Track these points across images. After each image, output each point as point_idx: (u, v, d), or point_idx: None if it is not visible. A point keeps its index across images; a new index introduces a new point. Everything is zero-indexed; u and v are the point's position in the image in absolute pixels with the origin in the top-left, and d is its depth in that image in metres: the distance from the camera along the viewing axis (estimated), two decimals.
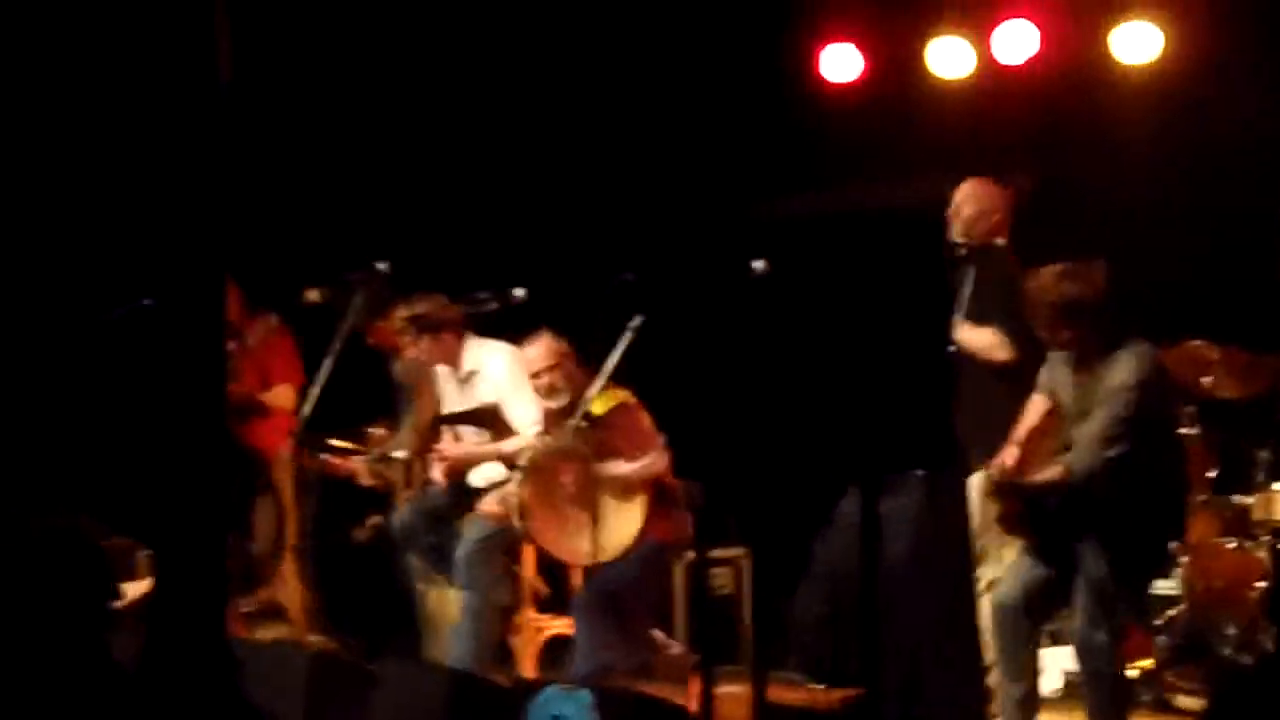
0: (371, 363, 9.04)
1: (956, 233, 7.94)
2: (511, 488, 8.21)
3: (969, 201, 8.05)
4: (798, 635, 7.90)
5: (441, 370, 8.89)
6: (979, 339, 7.78)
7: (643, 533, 8.15)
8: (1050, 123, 9.65)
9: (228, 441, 5.97)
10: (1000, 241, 8.00)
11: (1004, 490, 7.10)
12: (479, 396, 8.75)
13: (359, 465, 9.14)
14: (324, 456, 9.26)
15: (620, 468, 8.10)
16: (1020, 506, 7.11)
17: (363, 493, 9.68)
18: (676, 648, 8.46)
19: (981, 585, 7.72)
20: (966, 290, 7.86)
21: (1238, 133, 9.27)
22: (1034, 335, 7.34)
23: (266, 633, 9.34)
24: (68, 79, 9.02)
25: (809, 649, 7.88)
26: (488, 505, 8.45)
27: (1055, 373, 7.23)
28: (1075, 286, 6.98)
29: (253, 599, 9.80)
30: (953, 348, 7.38)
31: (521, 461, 8.21)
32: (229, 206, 5.05)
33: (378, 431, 9.08)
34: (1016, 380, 7.50)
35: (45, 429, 8.79)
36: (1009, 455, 7.14)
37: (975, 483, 7.55)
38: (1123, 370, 6.93)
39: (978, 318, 7.81)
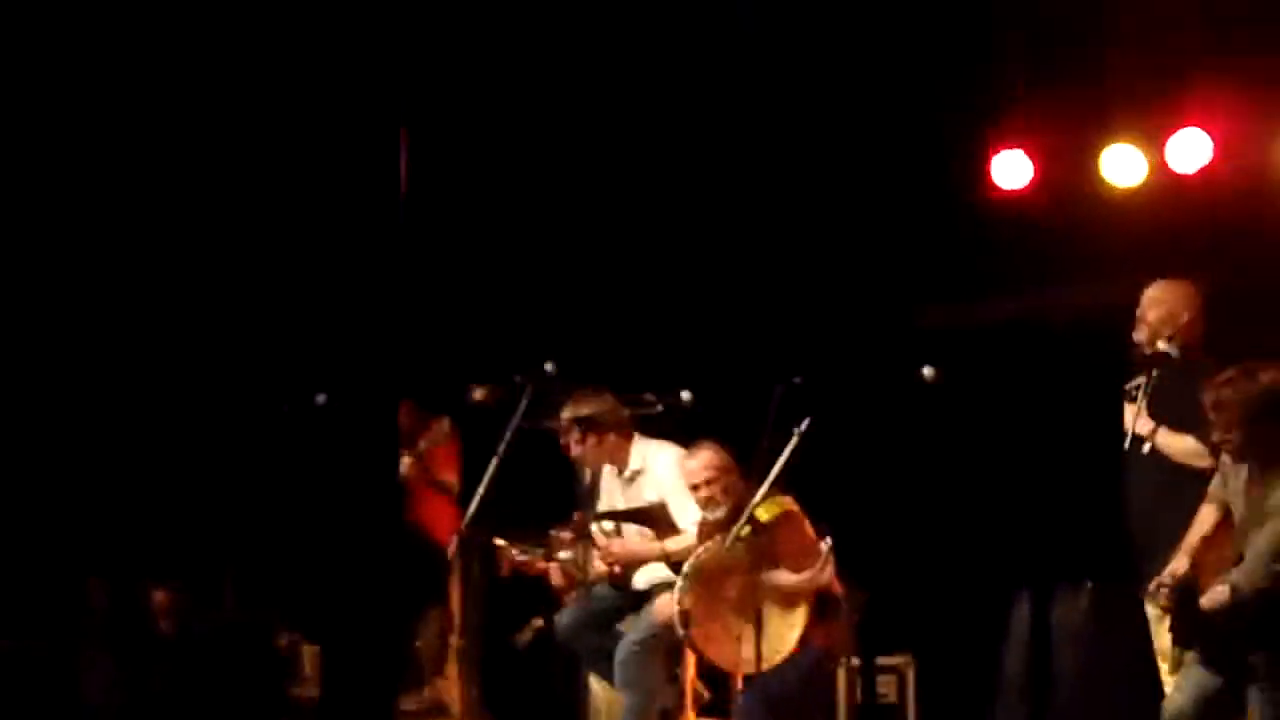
0: (558, 464, 9.05)
1: (1143, 335, 7.83)
2: (675, 594, 8.20)
3: (1155, 304, 7.94)
4: None
5: (607, 469, 8.92)
6: (1181, 445, 7.64)
7: (804, 641, 8.10)
8: (1222, 230, 9.56)
9: (402, 539, 6.04)
10: (1195, 344, 7.84)
11: (1176, 600, 6.99)
12: (643, 496, 8.76)
13: (550, 565, 9.14)
14: (516, 554, 9.29)
15: (784, 578, 8.07)
16: (1192, 616, 7.00)
17: (527, 595, 9.70)
18: None
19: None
20: (1149, 393, 7.73)
21: None
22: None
23: None
24: (261, 185, 9.20)
25: None
26: (660, 608, 8.45)
27: (1228, 482, 7.13)
28: (1242, 393, 6.88)
29: (416, 697, 9.85)
30: (1143, 448, 7.30)
31: (685, 569, 8.20)
32: (405, 308, 5.14)
33: (561, 535, 9.07)
34: (1203, 488, 7.40)
35: (224, 522, 8.91)
36: (1180, 564, 7.04)
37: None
38: None
39: (1173, 423, 7.67)
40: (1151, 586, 7.04)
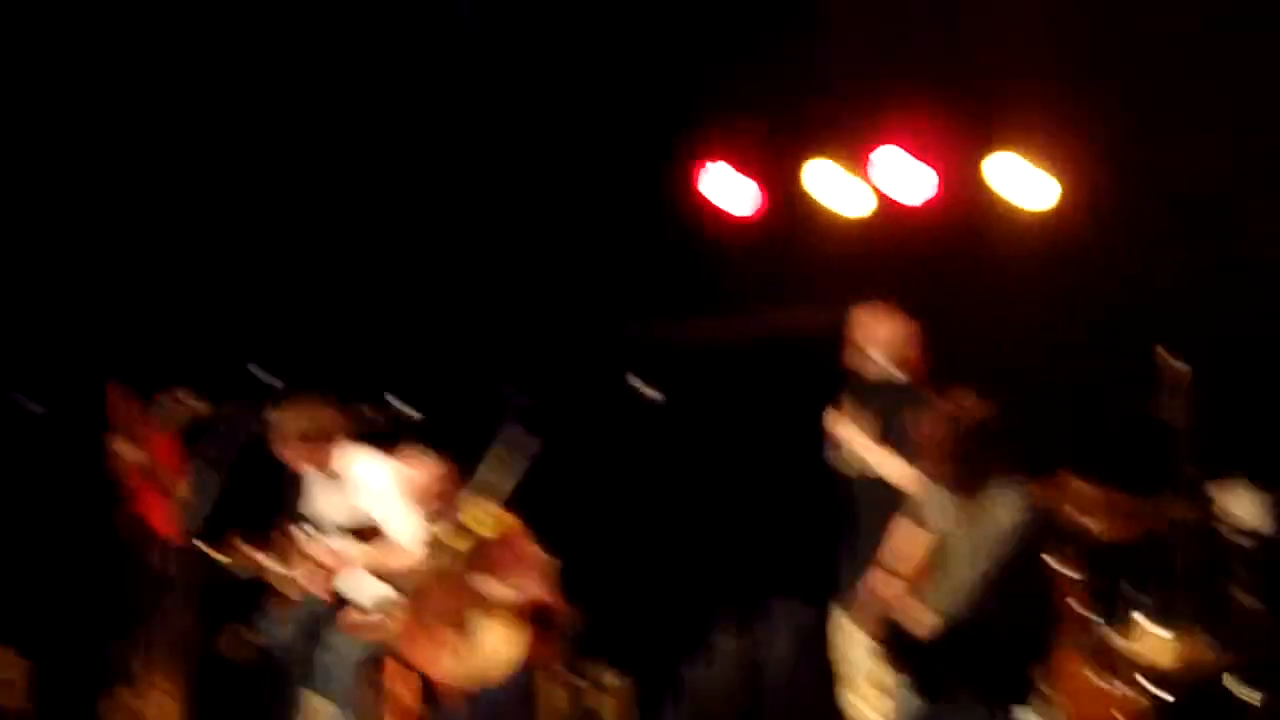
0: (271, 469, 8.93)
1: (861, 360, 7.92)
2: (385, 604, 8.15)
3: (875, 329, 8.05)
4: None
5: (317, 477, 8.83)
6: (897, 468, 7.77)
7: (519, 656, 8.11)
8: (940, 261, 9.75)
9: (111, 548, 5.92)
10: (919, 373, 7.97)
11: (884, 625, 7.11)
12: (358, 505, 8.68)
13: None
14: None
15: (496, 589, 8.06)
16: (899, 642, 7.13)
17: (236, 602, 9.57)
18: None
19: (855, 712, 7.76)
20: (871, 416, 7.83)
21: (1121, 276, 9.42)
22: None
23: None
24: None
25: None
26: (367, 621, 8.38)
27: (942, 511, 7.28)
28: (959, 425, 7.02)
29: (119, 709, 9.66)
30: (853, 471, 7.40)
31: (401, 584, 8.15)
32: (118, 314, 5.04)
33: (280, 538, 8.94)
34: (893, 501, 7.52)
35: None
36: (892, 590, 7.17)
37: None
38: (1006, 514, 7.06)
39: (899, 449, 7.78)
40: (857, 607, 7.17)
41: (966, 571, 6.98)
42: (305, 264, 10.84)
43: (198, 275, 10.44)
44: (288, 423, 8.65)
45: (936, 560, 7.21)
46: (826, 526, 5.36)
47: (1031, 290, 9.77)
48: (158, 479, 8.91)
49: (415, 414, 9.03)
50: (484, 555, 8.00)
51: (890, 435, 7.67)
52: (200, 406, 8.94)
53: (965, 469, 7.06)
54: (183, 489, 9.34)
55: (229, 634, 9.49)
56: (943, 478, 7.15)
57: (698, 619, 7.27)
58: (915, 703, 7.15)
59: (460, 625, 8.06)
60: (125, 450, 9.09)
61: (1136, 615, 8.57)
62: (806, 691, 7.63)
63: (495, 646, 8.01)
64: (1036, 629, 7.19)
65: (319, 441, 8.64)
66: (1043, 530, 7.20)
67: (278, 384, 8.58)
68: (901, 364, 7.89)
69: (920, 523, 7.35)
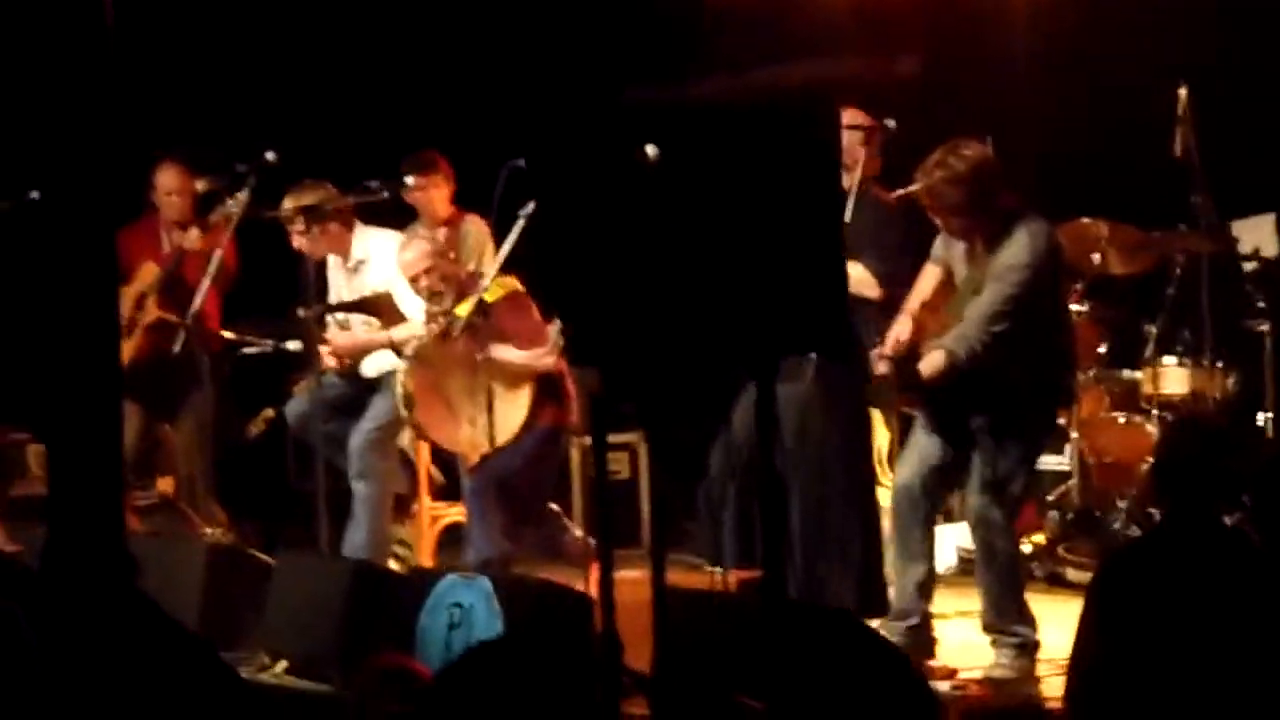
0: (283, 254, 8.92)
1: None
2: (398, 377, 8.19)
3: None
4: (704, 516, 7.93)
5: (331, 260, 8.84)
6: (850, 272, 7.65)
7: (530, 421, 8.15)
8: (937, 3, 9.64)
9: (117, 334, 5.91)
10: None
11: (896, 367, 7.08)
12: (368, 285, 8.70)
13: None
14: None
15: (508, 354, 8.08)
16: (912, 383, 7.11)
17: (257, 385, 9.64)
18: (576, 531, 8.49)
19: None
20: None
21: (1135, 10, 9.31)
22: (898, 267, 7.36)
23: (163, 526, 9.32)
24: None
25: (709, 531, 7.93)
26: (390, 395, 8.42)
27: (951, 246, 7.21)
28: (953, 172, 6.92)
29: (150, 492, 9.77)
30: None
31: (408, 353, 8.19)
32: (115, 103, 4.99)
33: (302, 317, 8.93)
34: (880, 311, 7.46)
35: None
36: (901, 329, 7.13)
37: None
38: (1017, 248, 6.88)
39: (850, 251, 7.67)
40: (874, 353, 7.15)
41: (973, 305, 6.92)
42: (304, 46, 10.77)
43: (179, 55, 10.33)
44: (292, 202, 8.61)
45: (947, 295, 7.17)
46: (834, 285, 5.29)
47: (1040, 29, 9.66)
48: (213, 271, 8.86)
49: (415, 184, 9.01)
50: (493, 322, 8.00)
51: (861, 240, 7.45)
52: (202, 185, 8.93)
53: (975, 218, 6.99)
54: (231, 280, 9.36)
55: (257, 418, 9.58)
56: (954, 232, 7.09)
57: (713, 378, 7.28)
58: (934, 446, 7.13)
59: (472, 393, 8.09)
60: (190, 239, 9.10)
61: (1154, 351, 8.62)
62: (825, 446, 7.67)
63: (508, 413, 8.04)
64: (1053, 368, 7.13)
65: (324, 221, 8.61)
66: (1057, 269, 7.13)
67: (278, 162, 8.51)
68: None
69: (936, 258, 7.29)
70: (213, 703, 3.32)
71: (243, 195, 8.71)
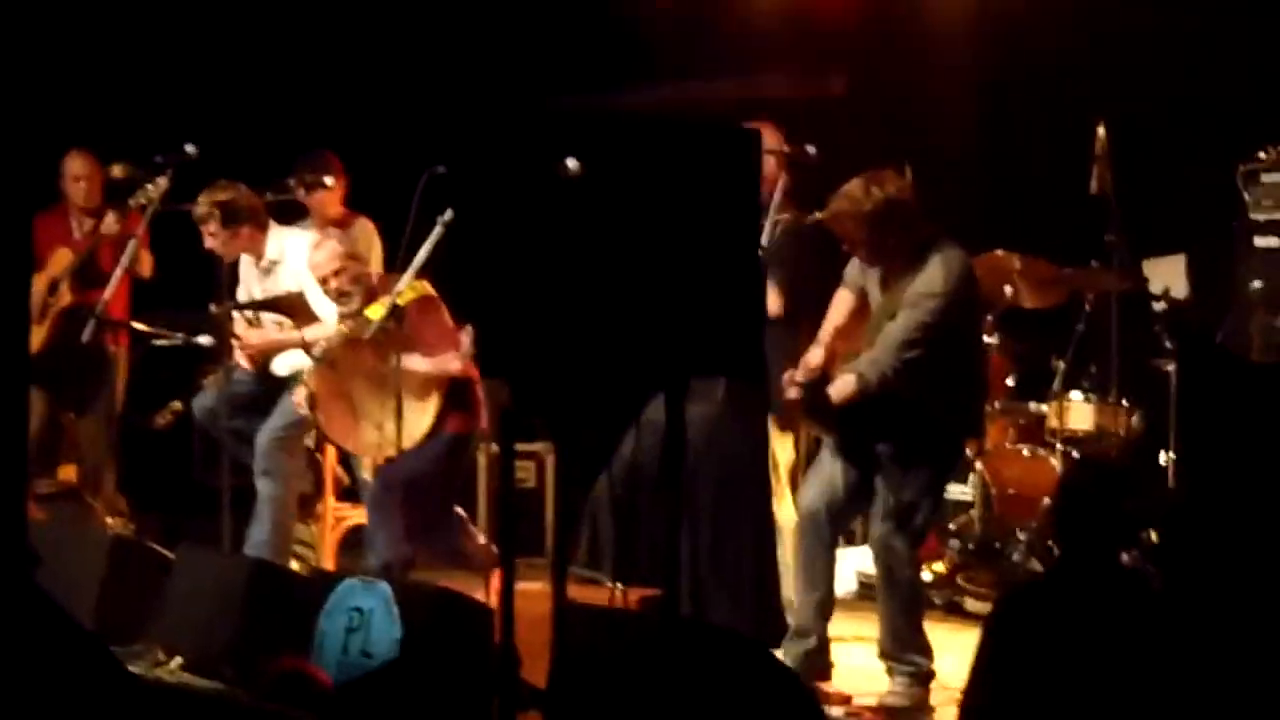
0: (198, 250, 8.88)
1: None
2: (305, 378, 8.16)
3: None
4: (596, 533, 7.93)
5: (245, 259, 8.79)
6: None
7: (436, 427, 8.13)
8: (865, 27, 9.68)
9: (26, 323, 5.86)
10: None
11: (807, 391, 7.11)
12: (282, 284, 8.66)
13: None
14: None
15: (417, 363, 8.07)
16: (823, 407, 7.14)
17: (166, 377, 9.59)
18: (480, 538, 8.47)
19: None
20: None
21: (1056, 47, 9.38)
22: (806, 287, 7.37)
23: (65, 515, 9.26)
24: None
25: (607, 548, 7.92)
26: (297, 395, 8.39)
27: (867, 269, 7.25)
28: (858, 207, 6.96)
29: (52, 481, 9.71)
30: None
31: (316, 354, 8.16)
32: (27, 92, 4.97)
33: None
34: (786, 331, 7.49)
35: None
36: (814, 355, 7.17)
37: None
38: (933, 276, 6.93)
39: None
40: (785, 377, 7.17)
41: (890, 332, 6.96)
42: (229, 40, 10.74)
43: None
44: (207, 199, 8.57)
45: (860, 322, 7.20)
46: (748, 306, 5.30)
47: (960, 62, 9.72)
48: (127, 260, 8.80)
49: (333, 185, 9.01)
50: (403, 326, 7.98)
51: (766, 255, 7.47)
52: (119, 171, 8.89)
53: (882, 248, 7.02)
54: (149, 267, 9.32)
55: (164, 410, 9.54)
56: (865, 258, 7.12)
57: (623, 392, 7.28)
58: (841, 471, 7.15)
59: (378, 397, 8.07)
60: (107, 224, 9.07)
61: (1061, 385, 8.68)
62: (731, 468, 7.69)
63: (411, 417, 8.03)
64: (964, 397, 7.18)
65: (238, 221, 8.57)
66: (972, 297, 7.17)
67: (197, 156, 8.46)
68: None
69: (849, 282, 7.32)
70: (101, 700, 3.30)
71: (162, 182, 8.65)
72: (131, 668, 7.13)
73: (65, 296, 9.16)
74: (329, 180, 8.97)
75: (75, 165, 9.45)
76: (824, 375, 7.09)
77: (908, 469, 6.98)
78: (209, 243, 8.59)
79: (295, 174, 9.03)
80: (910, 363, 6.90)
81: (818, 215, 7.36)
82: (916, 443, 7.00)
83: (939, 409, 7.01)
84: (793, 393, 7.14)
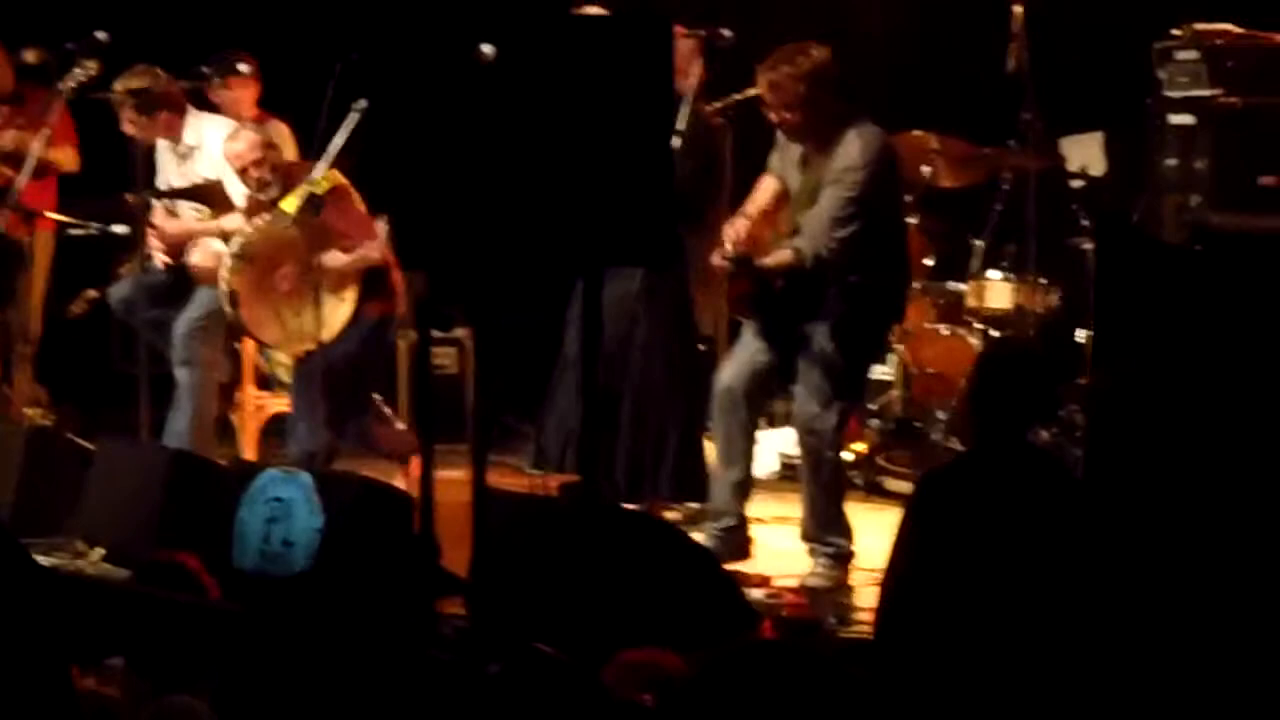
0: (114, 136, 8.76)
1: None
2: (223, 273, 8.10)
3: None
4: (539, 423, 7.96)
5: (161, 144, 8.71)
6: None
7: (356, 315, 8.12)
8: None
9: None
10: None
11: (736, 265, 7.08)
12: (199, 172, 8.60)
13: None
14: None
15: (337, 259, 8.05)
16: (749, 286, 7.13)
17: (80, 266, 9.53)
18: (400, 424, 8.47)
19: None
20: None
21: None
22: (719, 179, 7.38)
23: None
24: None
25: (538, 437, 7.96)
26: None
27: (785, 156, 7.24)
28: (798, 67, 6.96)
29: None
30: None
31: (233, 249, 8.10)
32: None
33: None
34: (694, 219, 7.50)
35: None
36: (739, 227, 7.16)
37: None
38: (851, 151, 6.93)
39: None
40: (714, 256, 7.15)
41: (815, 210, 6.96)
42: None
43: None
44: (122, 85, 8.48)
45: (782, 206, 7.21)
46: (662, 196, 5.30)
47: None
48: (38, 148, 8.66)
49: (250, 72, 8.93)
50: (315, 216, 7.92)
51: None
52: (31, 56, 8.77)
53: (815, 115, 7.01)
54: (70, 159, 9.19)
55: (78, 298, 9.48)
56: (792, 128, 7.10)
57: (544, 282, 7.28)
58: (762, 352, 7.17)
59: (299, 292, 8.04)
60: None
61: (979, 264, 8.71)
62: (654, 349, 7.71)
63: (331, 309, 8.00)
64: (891, 275, 7.19)
65: (154, 107, 8.48)
66: (893, 172, 7.17)
67: (108, 42, 8.34)
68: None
69: (771, 169, 7.33)
70: (9, 594, 3.30)
71: (92, 65, 8.50)
72: (52, 559, 7.16)
73: None
74: (243, 68, 8.88)
75: None
76: (748, 253, 7.07)
77: (834, 348, 6.98)
78: (127, 128, 8.50)
79: (209, 68, 8.92)
80: (844, 240, 6.91)
81: (744, 94, 7.36)
82: (843, 322, 7.00)
83: (867, 288, 7.02)
84: (719, 264, 7.12)
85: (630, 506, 7.42)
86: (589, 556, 5.56)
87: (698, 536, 7.11)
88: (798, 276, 7.00)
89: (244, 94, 9.06)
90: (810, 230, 6.98)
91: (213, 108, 8.90)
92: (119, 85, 8.48)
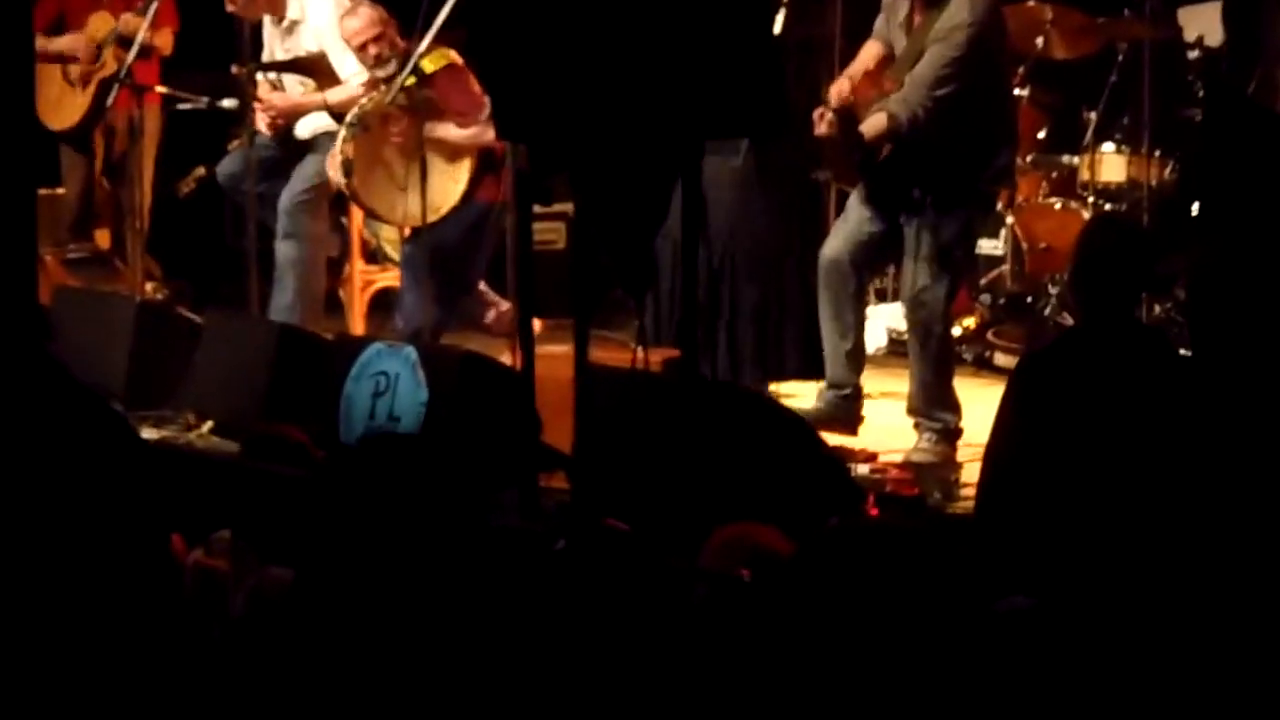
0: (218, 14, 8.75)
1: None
2: (337, 142, 8.09)
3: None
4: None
5: (266, 19, 8.68)
6: None
7: (468, 195, 8.10)
8: None
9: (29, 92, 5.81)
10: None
11: (839, 120, 6.98)
12: (302, 45, 8.57)
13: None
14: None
15: (449, 131, 8.01)
16: (854, 151, 7.03)
17: (190, 142, 9.56)
18: (504, 305, 8.46)
19: None
20: None
21: None
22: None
23: (96, 279, 9.28)
24: None
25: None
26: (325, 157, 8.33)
27: (891, 20, 7.13)
28: None
29: (82, 245, 9.71)
30: None
31: (349, 118, 8.08)
32: None
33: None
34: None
35: None
36: (842, 86, 7.05)
37: None
38: (959, 8, 6.79)
39: None
40: (815, 113, 7.05)
41: (920, 70, 6.85)
42: None
43: None
44: None
45: (887, 65, 7.10)
46: (768, 65, 5.23)
47: None
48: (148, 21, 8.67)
49: None
50: (431, 92, 7.91)
51: None
52: None
53: None
54: (167, 43, 9.22)
55: (189, 175, 9.51)
56: None
57: (649, 156, 7.21)
58: (868, 219, 7.09)
59: (410, 164, 8.02)
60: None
61: (1092, 137, 8.59)
62: (760, 222, 7.65)
63: (446, 186, 7.98)
64: (995, 139, 7.07)
65: None
66: (1000, 34, 7.03)
67: None
68: None
69: (876, 33, 7.22)
70: (109, 466, 3.31)
71: None
72: (163, 432, 7.23)
73: (110, 65, 9.11)
74: None
75: None
76: (852, 111, 6.97)
77: (942, 215, 6.89)
78: (230, 6, 8.48)
79: None
80: (942, 100, 6.79)
81: None
82: (950, 188, 6.90)
83: (971, 153, 6.91)
84: (823, 128, 7.01)
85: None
86: (691, 433, 5.54)
87: (812, 405, 7.08)
88: (903, 142, 6.89)
89: None
90: (908, 90, 6.87)
91: None
92: None
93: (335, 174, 8.10)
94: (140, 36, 8.48)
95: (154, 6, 8.52)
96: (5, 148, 5.13)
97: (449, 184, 8.03)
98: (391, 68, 8.10)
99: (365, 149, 8.08)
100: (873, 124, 6.90)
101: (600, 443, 5.63)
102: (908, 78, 6.90)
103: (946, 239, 6.93)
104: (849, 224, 7.18)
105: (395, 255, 8.61)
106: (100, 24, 9.25)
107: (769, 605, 3.51)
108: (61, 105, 9.34)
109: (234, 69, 8.42)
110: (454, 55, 8.00)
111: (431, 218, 7.95)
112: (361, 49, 8.18)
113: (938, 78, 6.80)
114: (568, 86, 5.19)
